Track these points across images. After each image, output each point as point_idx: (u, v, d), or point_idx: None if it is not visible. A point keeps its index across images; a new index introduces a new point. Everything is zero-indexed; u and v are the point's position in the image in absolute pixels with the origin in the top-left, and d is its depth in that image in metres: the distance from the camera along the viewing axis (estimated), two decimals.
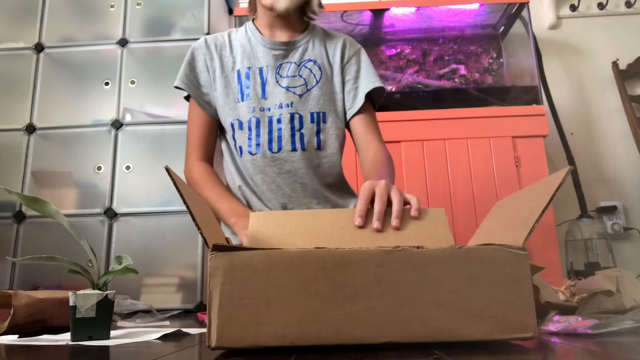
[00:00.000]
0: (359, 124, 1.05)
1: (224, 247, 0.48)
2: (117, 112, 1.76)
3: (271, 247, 0.67)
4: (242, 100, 1.00)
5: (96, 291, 0.62)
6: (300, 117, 1.00)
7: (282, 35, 1.05)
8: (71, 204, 1.70)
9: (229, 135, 1.03)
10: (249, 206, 1.03)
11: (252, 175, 1.00)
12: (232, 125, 1.01)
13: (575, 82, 2.16)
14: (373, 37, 2.13)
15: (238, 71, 1.03)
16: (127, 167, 1.71)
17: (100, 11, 1.89)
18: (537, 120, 1.75)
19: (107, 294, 0.62)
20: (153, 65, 1.88)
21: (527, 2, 1.91)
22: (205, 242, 0.49)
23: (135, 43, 1.84)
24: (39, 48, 1.82)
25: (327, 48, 1.07)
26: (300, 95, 1.01)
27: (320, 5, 1.07)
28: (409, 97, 1.94)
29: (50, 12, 1.87)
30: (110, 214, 1.65)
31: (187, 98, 1.06)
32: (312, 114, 1.00)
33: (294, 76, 1.02)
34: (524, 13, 1.96)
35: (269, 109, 1.00)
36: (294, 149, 0.99)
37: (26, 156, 1.72)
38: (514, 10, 1.98)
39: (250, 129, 0.99)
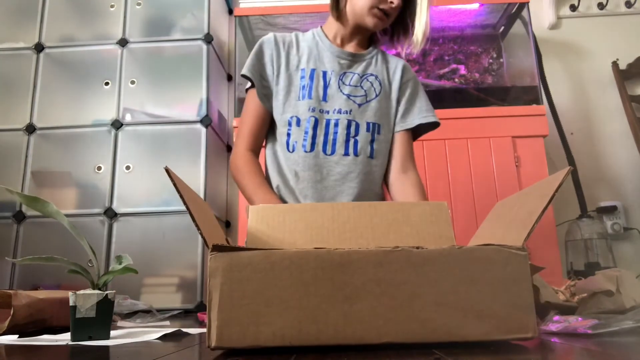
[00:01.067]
0: (402, 142, 1.10)
1: (224, 248, 0.48)
2: (117, 112, 1.76)
3: (271, 247, 0.68)
4: (303, 98, 1.04)
5: (96, 291, 0.62)
6: (357, 125, 1.04)
7: (350, 47, 1.11)
8: (71, 204, 1.70)
9: (282, 131, 1.05)
10: None
11: (300, 172, 1.02)
12: (289, 121, 1.04)
13: (575, 82, 2.16)
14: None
15: (302, 70, 1.07)
16: (127, 167, 1.71)
17: (100, 11, 1.90)
18: (537, 120, 1.75)
19: (107, 294, 0.62)
20: (153, 65, 1.88)
21: (527, 2, 1.91)
22: (205, 242, 0.49)
23: (135, 43, 1.84)
24: (39, 48, 1.82)
25: (388, 67, 1.13)
26: (360, 105, 1.05)
27: (425, 39, 1.10)
28: None
29: (50, 12, 1.87)
30: (110, 214, 1.65)
31: (247, 90, 1.10)
32: (368, 124, 1.05)
33: (355, 86, 1.07)
34: (524, 13, 1.95)
35: (328, 112, 1.04)
36: (346, 154, 1.03)
37: (26, 156, 1.72)
38: (514, 10, 1.97)
39: (307, 127, 1.03)
